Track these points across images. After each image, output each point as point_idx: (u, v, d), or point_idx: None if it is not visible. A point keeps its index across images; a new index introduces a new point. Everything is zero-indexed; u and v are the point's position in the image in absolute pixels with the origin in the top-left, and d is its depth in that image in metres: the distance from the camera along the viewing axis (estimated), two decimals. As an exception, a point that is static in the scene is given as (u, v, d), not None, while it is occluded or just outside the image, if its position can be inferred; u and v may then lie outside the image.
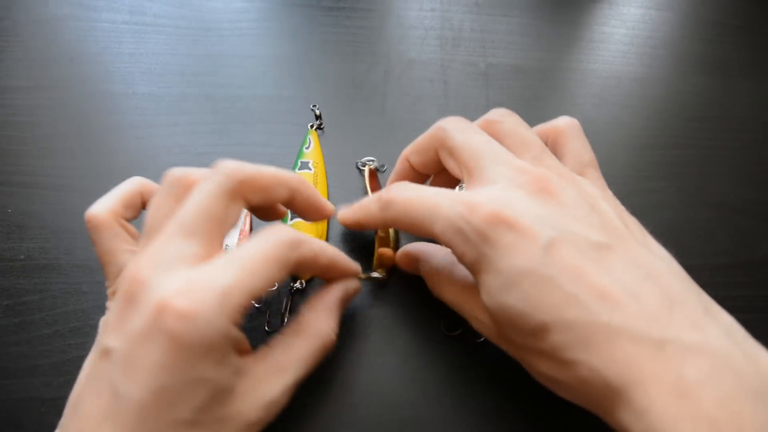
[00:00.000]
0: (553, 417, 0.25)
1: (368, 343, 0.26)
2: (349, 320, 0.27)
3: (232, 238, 0.28)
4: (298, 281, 0.27)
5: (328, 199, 0.31)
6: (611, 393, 0.16)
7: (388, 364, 0.26)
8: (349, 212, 0.25)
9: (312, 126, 0.34)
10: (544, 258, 0.17)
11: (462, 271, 0.23)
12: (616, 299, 0.16)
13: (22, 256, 0.28)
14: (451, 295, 0.23)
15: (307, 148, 0.32)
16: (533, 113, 0.37)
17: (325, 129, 0.35)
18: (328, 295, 0.23)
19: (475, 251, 0.18)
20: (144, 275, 0.17)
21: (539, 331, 0.17)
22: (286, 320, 0.26)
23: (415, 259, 0.26)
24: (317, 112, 0.35)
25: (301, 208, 0.22)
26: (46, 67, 0.36)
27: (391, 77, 0.38)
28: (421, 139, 0.24)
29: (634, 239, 0.19)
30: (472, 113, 0.37)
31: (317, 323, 0.22)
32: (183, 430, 0.17)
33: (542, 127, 0.25)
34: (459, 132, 0.22)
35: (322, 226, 0.29)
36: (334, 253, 0.22)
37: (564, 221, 0.18)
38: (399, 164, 0.26)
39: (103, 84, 0.35)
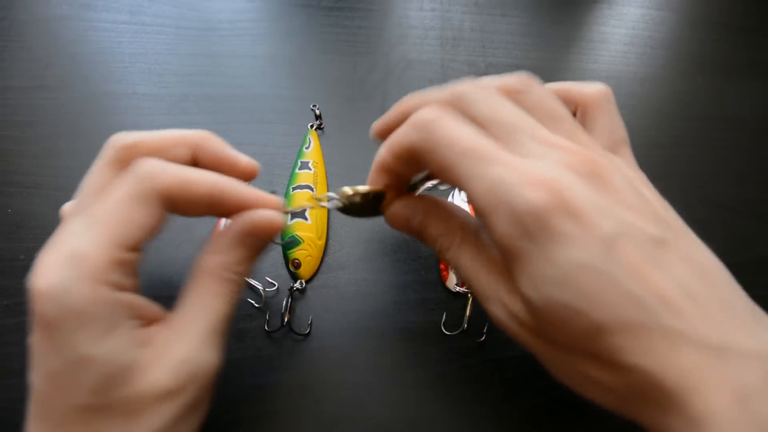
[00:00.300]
0: (553, 417, 0.25)
1: (368, 343, 0.26)
2: (348, 321, 0.27)
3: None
4: (298, 281, 0.27)
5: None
6: (663, 399, 0.15)
7: (388, 364, 0.26)
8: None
9: (312, 126, 0.34)
10: (605, 253, 0.15)
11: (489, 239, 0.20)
12: (676, 301, 0.15)
13: (22, 256, 0.28)
14: (471, 266, 0.19)
15: (307, 148, 0.32)
16: (533, 113, 0.38)
17: (325, 129, 0.35)
18: (223, 232, 0.20)
19: (521, 233, 0.16)
20: (35, 265, 0.16)
21: (594, 331, 0.15)
22: (285, 320, 0.26)
23: (422, 213, 0.21)
24: (317, 112, 0.35)
25: (210, 165, 0.20)
26: (46, 67, 0.36)
27: (391, 77, 0.38)
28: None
29: (684, 232, 0.18)
30: (472, 113, 0.37)
31: (210, 265, 0.19)
32: (90, 417, 0.16)
33: (567, 91, 0.21)
34: (482, 102, 0.18)
35: (322, 219, 0.29)
36: (219, 181, 0.19)
37: (622, 212, 0.16)
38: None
39: (103, 84, 0.35)
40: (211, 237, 0.20)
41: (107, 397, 0.16)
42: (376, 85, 0.38)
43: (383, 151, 0.20)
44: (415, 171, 0.21)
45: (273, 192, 0.20)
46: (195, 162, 0.20)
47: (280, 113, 0.35)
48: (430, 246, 0.21)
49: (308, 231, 0.28)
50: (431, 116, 0.18)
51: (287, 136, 0.34)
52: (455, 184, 0.17)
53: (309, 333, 0.26)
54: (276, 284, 0.28)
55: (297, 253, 0.28)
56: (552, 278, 0.16)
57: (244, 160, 0.20)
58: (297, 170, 0.31)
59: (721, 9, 0.46)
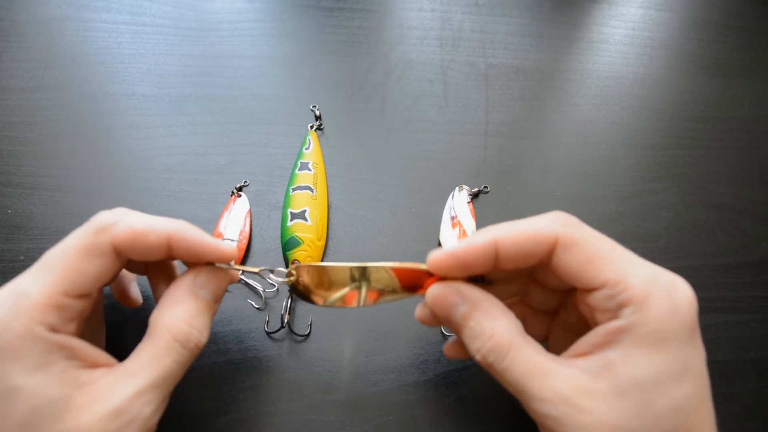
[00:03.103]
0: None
1: (368, 344, 0.26)
2: (348, 322, 0.27)
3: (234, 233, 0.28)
4: (298, 282, 0.27)
5: (328, 198, 0.31)
6: None
7: (389, 365, 0.26)
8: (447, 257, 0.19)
9: (312, 126, 0.34)
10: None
11: (534, 342, 0.18)
12: None
13: (22, 257, 0.28)
14: (527, 371, 0.17)
15: (306, 148, 0.32)
16: (533, 113, 0.37)
17: (324, 129, 0.35)
18: (174, 285, 0.20)
19: (680, 323, 0.16)
20: None
21: None
22: (285, 321, 0.26)
23: (469, 303, 0.19)
24: (317, 112, 0.35)
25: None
26: (46, 67, 0.36)
27: (391, 77, 0.38)
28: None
29: None
30: (472, 113, 0.37)
31: (162, 318, 0.19)
32: None
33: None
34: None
35: (322, 220, 0.29)
36: (176, 228, 0.19)
37: None
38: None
39: (103, 84, 0.35)
40: (166, 292, 0.20)
41: (35, 431, 0.16)
42: (375, 85, 0.38)
43: (488, 238, 0.18)
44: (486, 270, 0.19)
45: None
46: (169, 252, 0.19)
47: (280, 114, 0.35)
48: (468, 345, 0.19)
49: (308, 232, 0.28)
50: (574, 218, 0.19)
51: (287, 137, 0.34)
52: (599, 274, 0.17)
53: (309, 334, 0.26)
54: (276, 285, 0.28)
55: (297, 254, 0.28)
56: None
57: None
58: (297, 171, 0.31)
59: (721, 9, 0.46)
